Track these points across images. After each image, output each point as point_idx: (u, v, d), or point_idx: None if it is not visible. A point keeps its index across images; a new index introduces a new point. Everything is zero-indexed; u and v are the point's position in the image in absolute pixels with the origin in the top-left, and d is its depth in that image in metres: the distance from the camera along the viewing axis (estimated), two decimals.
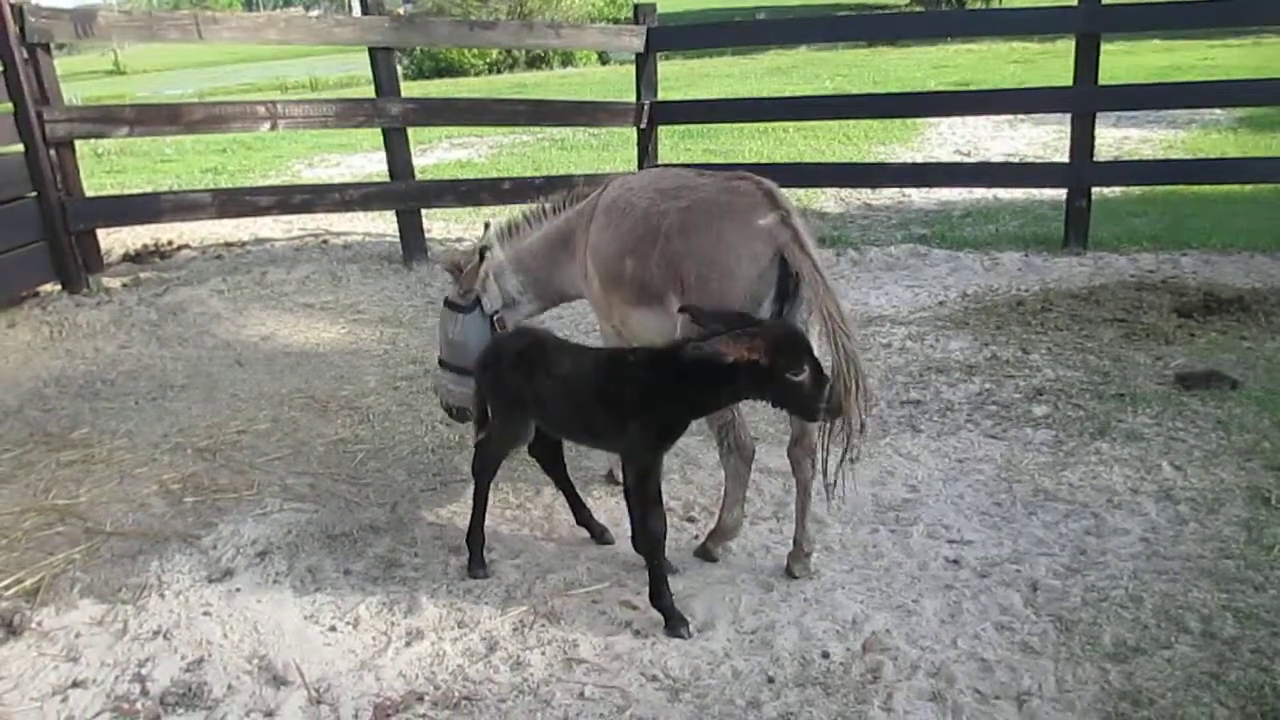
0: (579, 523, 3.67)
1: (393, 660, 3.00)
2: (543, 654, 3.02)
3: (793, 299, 3.16)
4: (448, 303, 4.06)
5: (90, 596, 3.38)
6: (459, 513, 3.89)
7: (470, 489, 3.76)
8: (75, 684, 2.93)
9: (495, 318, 4.02)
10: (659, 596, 3.11)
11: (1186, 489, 3.84)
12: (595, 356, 3.30)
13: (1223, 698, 2.71)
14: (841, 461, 3.01)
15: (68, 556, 3.62)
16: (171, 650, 3.07)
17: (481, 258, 3.96)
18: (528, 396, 3.26)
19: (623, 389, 3.07)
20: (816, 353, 2.94)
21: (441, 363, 4.11)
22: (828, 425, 2.99)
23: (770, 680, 2.85)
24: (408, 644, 3.08)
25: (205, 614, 3.25)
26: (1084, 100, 7.40)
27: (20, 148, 6.51)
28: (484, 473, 3.48)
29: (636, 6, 8.45)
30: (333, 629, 3.17)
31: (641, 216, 3.40)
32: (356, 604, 3.28)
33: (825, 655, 2.95)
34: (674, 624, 3.07)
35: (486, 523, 3.81)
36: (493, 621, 3.17)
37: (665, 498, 3.19)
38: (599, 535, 3.66)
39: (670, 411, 3.05)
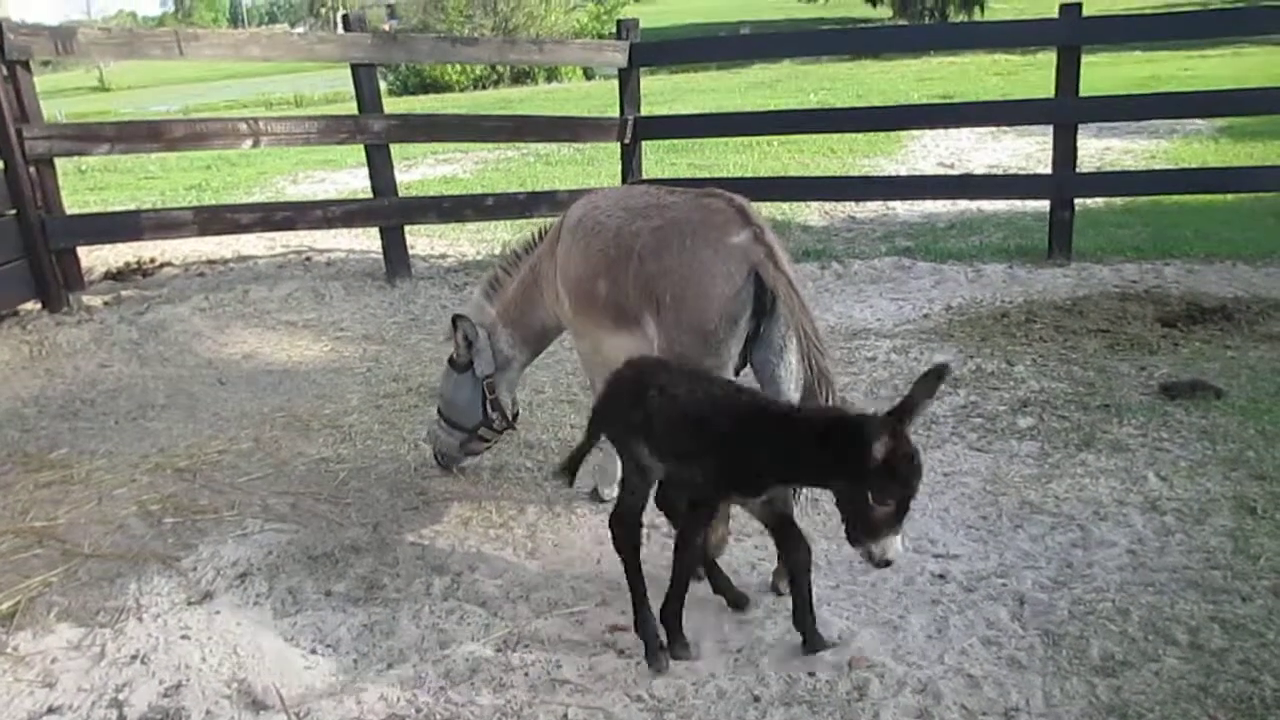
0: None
1: (374, 683, 2.95)
2: (525, 675, 2.97)
3: (769, 316, 3.15)
4: (450, 360, 4.10)
5: (67, 620, 3.32)
6: (441, 532, 3.85)
7: (454, 506, 3.72)
8: (51, 710, 2.88)
9: (486, 382, 4.03)
10: (673, 614, 3.01)
11: (1172, 500, 3.83)
12: (712, 384, 2.93)
13: (1211, 710, 2.69)
14: None
15: (45, 579, 3.57)
16: (149, 675, 3.02)
17: (455, 327, 3.96)
18: (638, 422, 2.91)
19: (714, 422, 2.79)
20: (797, 370, 2.89)
21: (439, 413, 4.18)
22: None
23: (756, 699, 2.82)
24: (389, 666, 3.03)
25: (184, 637, 3.19)
26: (1066, 111, 7.44)
27: None
28: (631, 537, 3.06)
29: (619, 22, 8.49)
30: (313, 651, 3.12)
31: (613, 237, 3.37)
32: (337, 626, 3.23)
33: (811, 673, 2.92)
34: (678, 646, 2.99)
35: (470, 543, 3.78)
36: (475, 643, 3.13)
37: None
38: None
39: (746, 464, 2.76)
